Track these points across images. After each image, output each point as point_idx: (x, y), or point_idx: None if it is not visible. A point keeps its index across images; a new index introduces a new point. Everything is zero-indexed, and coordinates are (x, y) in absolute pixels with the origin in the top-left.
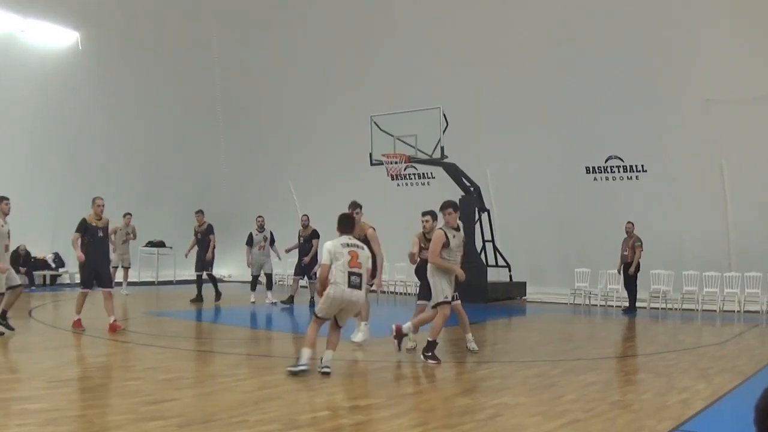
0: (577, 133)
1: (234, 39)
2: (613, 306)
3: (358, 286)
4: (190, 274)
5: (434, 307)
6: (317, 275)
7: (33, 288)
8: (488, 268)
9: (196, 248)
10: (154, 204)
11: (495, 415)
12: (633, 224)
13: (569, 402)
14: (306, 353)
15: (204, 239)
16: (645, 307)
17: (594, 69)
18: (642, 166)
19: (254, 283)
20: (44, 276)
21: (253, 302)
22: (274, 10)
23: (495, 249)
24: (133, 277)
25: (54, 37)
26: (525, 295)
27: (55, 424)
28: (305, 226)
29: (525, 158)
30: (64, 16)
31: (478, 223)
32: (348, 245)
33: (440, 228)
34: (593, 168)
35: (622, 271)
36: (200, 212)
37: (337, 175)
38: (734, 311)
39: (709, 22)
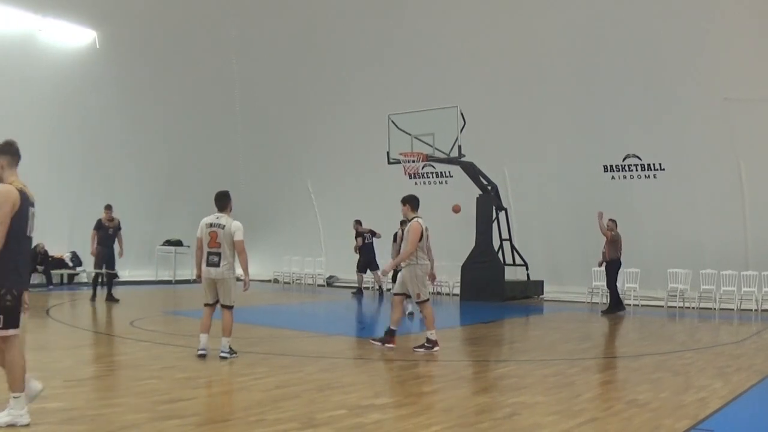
0: (595, 131)
1: (251, 38)
2: (630, 305)
3: (217, 264)
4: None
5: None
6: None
7: (50, 287)
8: (506, 267)
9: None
10: (173, 202)
11: (512, 413)
12: (614, 222)
13: (586, 401)
14: (204, 338)
15: (114, 236)
16: (662, 306)
17: (612, 68)
18: (660, 164)
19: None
20: (62, 275)
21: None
22: (292, 9)
23: (512, 248)
24: (149, 276)
25: (71, 37)
26: (542, 294)
27: (73, 423)
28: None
29: (543, 157)
30: (81, 15)
31: (495, 221)
32: (211, 225)
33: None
34: (611, 167)
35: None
36: (110, 207)
37: (355, 174)
38: (752, 310)
39: (727, 22)
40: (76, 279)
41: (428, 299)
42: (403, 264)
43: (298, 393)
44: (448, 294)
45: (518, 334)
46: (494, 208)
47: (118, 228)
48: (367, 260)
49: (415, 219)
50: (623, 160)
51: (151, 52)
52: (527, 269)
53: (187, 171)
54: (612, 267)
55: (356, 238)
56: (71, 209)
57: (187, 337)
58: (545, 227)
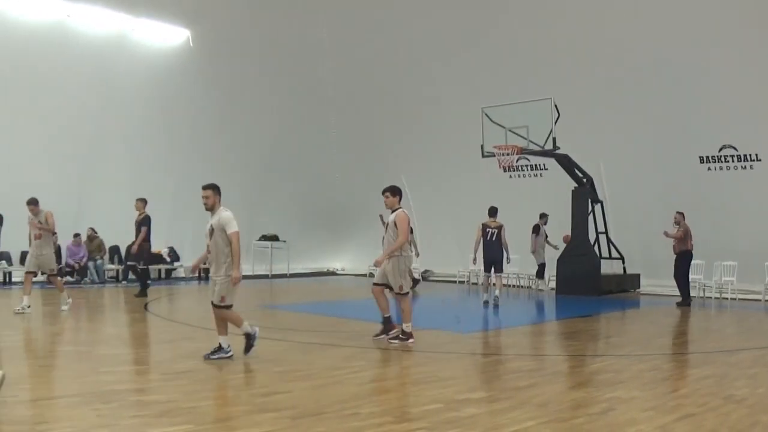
0: (691, 122)
1: (345, 34)
2: (728, 299)
3: None
4: (304, 267)
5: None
6: (234, 246)
7: (149, 282)
8: (602, 260)
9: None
10: (268, 198)
11: (608, 409)
12: (681, 214)
13: (682, 396)
14: (226, 340)
15: (138, 230)
16: (760, 300)
17: (707, 57)
18: (756, 155)
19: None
20: (159, 270)
21: None
22: (384, 4)
23: (609, 241)
24: (246, 270)
25: (165, 36)
26: (639, 288)
27: (170, 415)
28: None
29: (638, 148)
30: (174, 14)
31: (591, 214)
32: None
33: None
34: (707, 158)
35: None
36: (140, 200)
37: (449, 168)
38: None
39: None
40: (174, 274)
41: (408, 293)
42: (377, 260)
43: (393, 387)
44: (539, 288)
45: (614, 328)
46: (590, 200)
47: (141, 222)
48: None
49: (401, 209)
50: (719, 151)
51: (244, 49)
52: (623, 262)
53: (281, 168)
54: (684, 259)
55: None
56: (169, 205)
57: (284, 330)
58: (641, 219)
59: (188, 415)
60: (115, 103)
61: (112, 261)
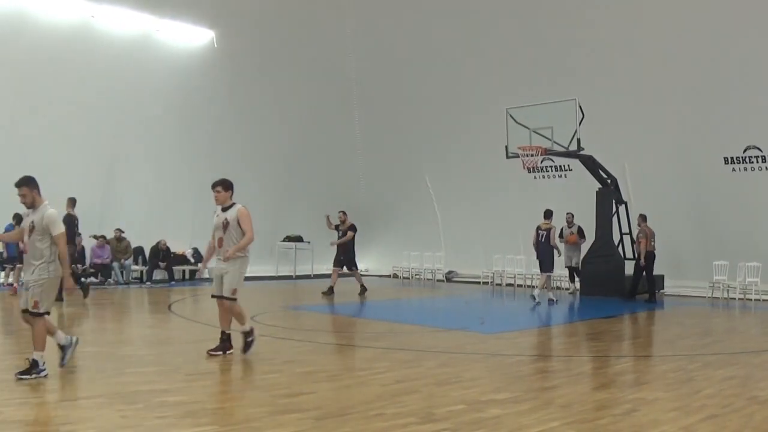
0: (715, 123)
1: (369, 34)
2: (752, 299)
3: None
4: (329, 268)
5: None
6: (61, 249)
7: (173, 283)
8: (626, 262)
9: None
10: (292, 199)
11: (632, 410)
12: (641, 216)
13: (707, 397)
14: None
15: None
16: None
17: (731, 58)
18: None
19: None
20: (183, 271)
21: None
22: (410, 5)
23: (632, 242)
24: (270, 271)
25: (189, 37)
26: (663, 289)
27: (194, 416)
28: (343, 221)
29: (662, 149)
30: (198, 15)
31: (615, 215)
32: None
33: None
34: (731, 158)
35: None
36: (70, 199)
37: (473, 169)
38: None
39: None
40: (198, 275)
41: (237, 299)
42: (227, 256)
43: (418, 388)
44: (567, 289)
45: (638, 329)
46: (614, 201)
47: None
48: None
49: (240, 205)
50: (744, 152)
51: (269, 49)
52: None
53: (305, 168)
54: (649, 259)
55: (348, 231)
56: (192, 206)
57: (308, 331)
58: (665, 221)
59: (212, 416)
60: (139, 104)
61: (136, 262)
